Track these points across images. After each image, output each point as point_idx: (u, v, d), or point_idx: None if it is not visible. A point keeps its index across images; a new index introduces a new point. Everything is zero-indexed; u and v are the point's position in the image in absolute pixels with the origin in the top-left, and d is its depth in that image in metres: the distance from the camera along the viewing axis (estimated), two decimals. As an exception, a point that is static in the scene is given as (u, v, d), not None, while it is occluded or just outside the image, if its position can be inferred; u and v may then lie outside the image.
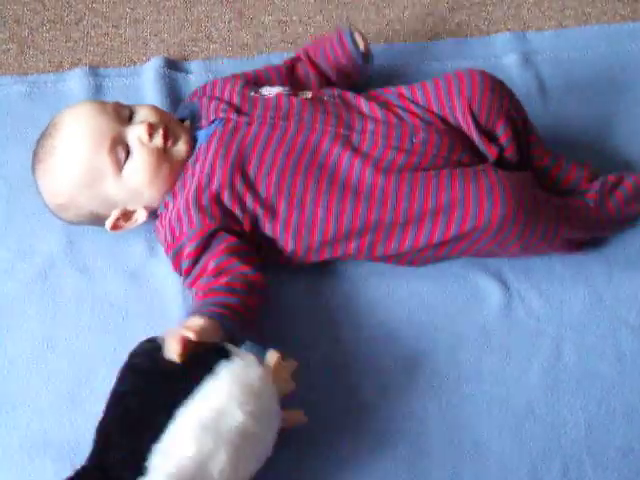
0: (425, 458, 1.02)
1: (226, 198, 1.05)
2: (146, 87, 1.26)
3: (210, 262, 1.02)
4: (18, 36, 1.34)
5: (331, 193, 1.04)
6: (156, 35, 1.34)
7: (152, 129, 1.05)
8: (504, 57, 1.31)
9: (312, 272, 1.13)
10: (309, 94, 1.13)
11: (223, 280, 1.00)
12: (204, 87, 1.16)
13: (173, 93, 1.25)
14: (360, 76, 1.23)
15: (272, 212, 1.05)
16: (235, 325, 0.95)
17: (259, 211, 1.05)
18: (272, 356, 0.93)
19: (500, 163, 1.09)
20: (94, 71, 1.29)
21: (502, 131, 1.09)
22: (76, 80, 1.27)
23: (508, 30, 1.35)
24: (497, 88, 1.09)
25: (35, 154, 1.10)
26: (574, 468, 1.02)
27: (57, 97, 1.26)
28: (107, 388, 1.01)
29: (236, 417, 0.84)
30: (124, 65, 1.31)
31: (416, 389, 1.06)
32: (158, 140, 1.06)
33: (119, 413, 0.87)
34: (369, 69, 1.23)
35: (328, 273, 1.13)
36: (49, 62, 1.31)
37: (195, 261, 1.04)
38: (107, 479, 0.83)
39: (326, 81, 1.21)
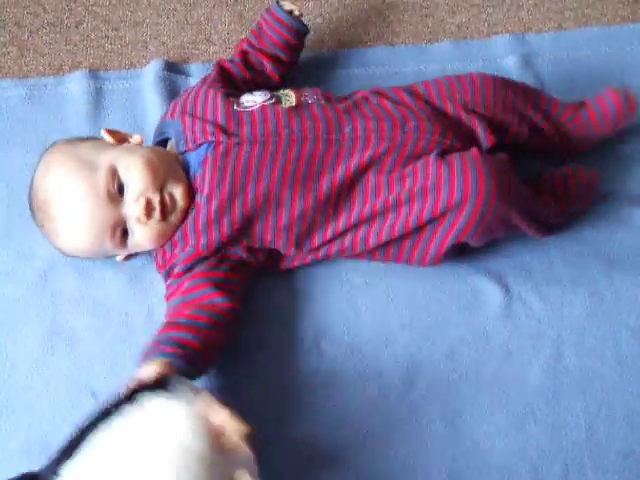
0: (425, 460, 1.03)
1: (224, 223, 1.04)
2: (146, 90, 1.26)
3: (186, 282, 1.04)
4: (18, 39, 1.33)
5: (329, 200, 1.04)
6: (156, 38, 1.34)
7: (149, 209, 1.02)
8: (504, 59, 1.30)
9: (309, 274, 1.13)
10: (292, 99, 1.11)
11: (188, 311, 1.01)
12: (184, 102, 1.11)
13: (173, 96, 1.22)
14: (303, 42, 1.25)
15: (273, 226, 1.05)
16: (187, 364, 0.95)
17: (259, 227, 1.05)
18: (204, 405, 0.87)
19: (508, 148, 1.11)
20: (94, 74, 1.28)
21: (509, 121, 1.12)
22: (76, 83, 1.27)
23: (508, 32, 1.34)
24: (498, 82, 1.12)
25: (32, 213, 1.08)
26: (575, 470, 1.03)
27: (57, 100, 1.25)
28: (107, 392, 1.01)
29: (148, 450, 0.82)
30: (124, 68, 1.30)
31: (416, 391, 1.06)
32: (157, 215, 1.03)
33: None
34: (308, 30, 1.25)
35: (327, 275, 1.13)
36: (49, 65, 1.30)
37: (177, 280, 1.05)
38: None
39: (278, 61, 1.22)
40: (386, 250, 1.08)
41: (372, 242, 1.06)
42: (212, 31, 1.34)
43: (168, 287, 1.07)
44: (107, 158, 1.04)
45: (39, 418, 1.05)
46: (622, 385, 1.07)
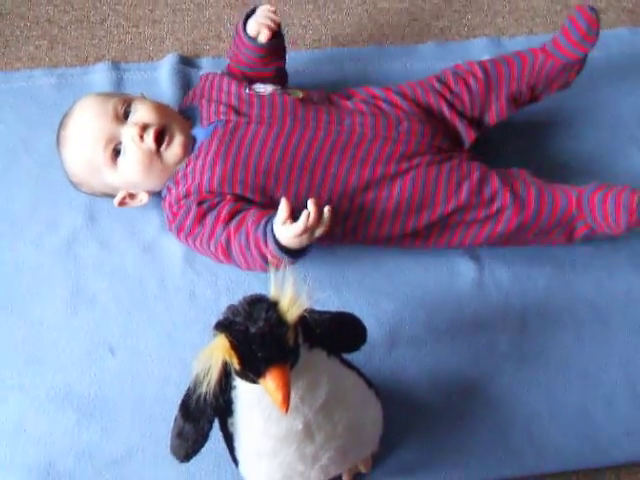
0: (405, 415, 1.00)
1: (225, 192, 0.98)
2: (162, 80, 1.21)
3: (223, 210, 0.97)
4: (49, 34, 1.29)
5: (324, 184, 0.99)
6: (172, 34, 1.30)
7: (144, 131, 0.99)
8: (481, 59, 1.23)
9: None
10: (300, 94, 1.06)
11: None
12: (202, 88, 1.08)
13: (186, 86, 1.19)
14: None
15: (271, 201, 0.99)
16: None
17: (259, 199, 0.99)
18: None
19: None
20: (116, 65, 1.24)
21: (492, 111, 1.09)
22: (100, 73, 1.23)
23: (485, 36, 1.30)
24: (470, 78, 1.09)
25: (57, 136, 1.07)
26: (535, 423, 1.01)
27: (82, 88, 1.20)
28: (123, 346, 1.04)
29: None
30: (143, 60, 1.27)
31: (398, 352, 1.04)
32: (149, 141, 1.00)
33: None
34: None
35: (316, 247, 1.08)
36: (76, 57, 1.27)
37: (202, 218, 0.98)
38: None
39: (265, 68, 1.09)
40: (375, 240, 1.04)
41: (362, 235, 1.01)
42: (222, 29, 1.30)
43: (193, 230, 0.99)
44: (131, 95, 1.06)
45: (62, 370, 1.03)
46: (578, 349, 1.05)
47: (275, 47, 1.08)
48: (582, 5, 1.04)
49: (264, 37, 1.05)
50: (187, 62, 1.24)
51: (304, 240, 0.87)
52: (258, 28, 1.05)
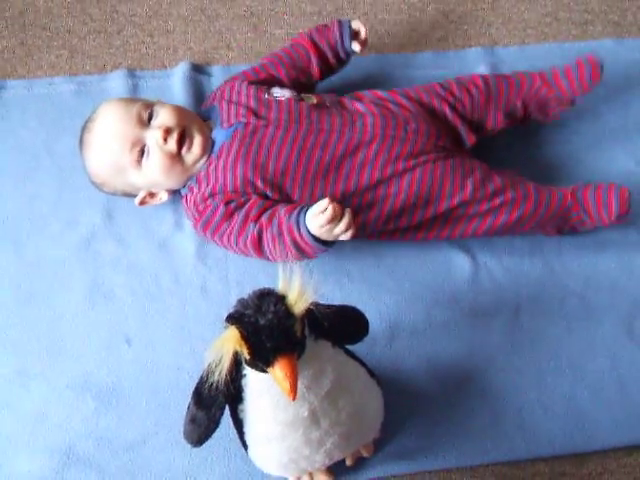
0: (403, 405, 1.00)
1: (249, 190, 1.00)
2: (175, 87, 1.22)
3: (252, 209, 0.99)
4: (69, 44, 1.30)
5: (337, 184, 1.01)
6: (184, 44, 1.30)
7: (167, 134, 1.01)
8: (476, 67, 1.26)
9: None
10: (314, 100, 1.08)
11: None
12: (222, 91, 1.10)
13: (197, 92, 1.21)
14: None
15: (289, 199, 1.01)
16: None
17: (279, 199, 1.01)
18: None
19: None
20: (132, 73, 1.25)
21: (490, 119, 1.11)
22: (116, 80, 1.24)
23: (479, 45, 1.31)
24: (472, 88, 1.11)
25: (79, 139, 1.08)
26: (526, 410, 1.02)
27: (100, 94, 1.21)
28: (139, 339, 1.05)
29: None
30: (157, 68, 1.27)
31: (397, 343, 1.05)
32: (172, 144, 1.02)
33: None
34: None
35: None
36: (94, 65, 1.28)
37: (230, 216, 1.00)
38: None
39: (323, 57, 1.13)
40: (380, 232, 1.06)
41: (370, 228, 1.03)
42: (231, 39, 1.31)
43: (226, 226, 1.00)
44: (151, 100, 1.07)
45: (81, 360, 1.04)
46: (567, 340, 1.06)
47: (343, 63, 1.16)
48: (594, 56, 1.09)
49: (357, 47, 1.13)
50: (199, 70, 1.24)
51: (324, 233, 0.90)
52: (358, 27, 1.13)
